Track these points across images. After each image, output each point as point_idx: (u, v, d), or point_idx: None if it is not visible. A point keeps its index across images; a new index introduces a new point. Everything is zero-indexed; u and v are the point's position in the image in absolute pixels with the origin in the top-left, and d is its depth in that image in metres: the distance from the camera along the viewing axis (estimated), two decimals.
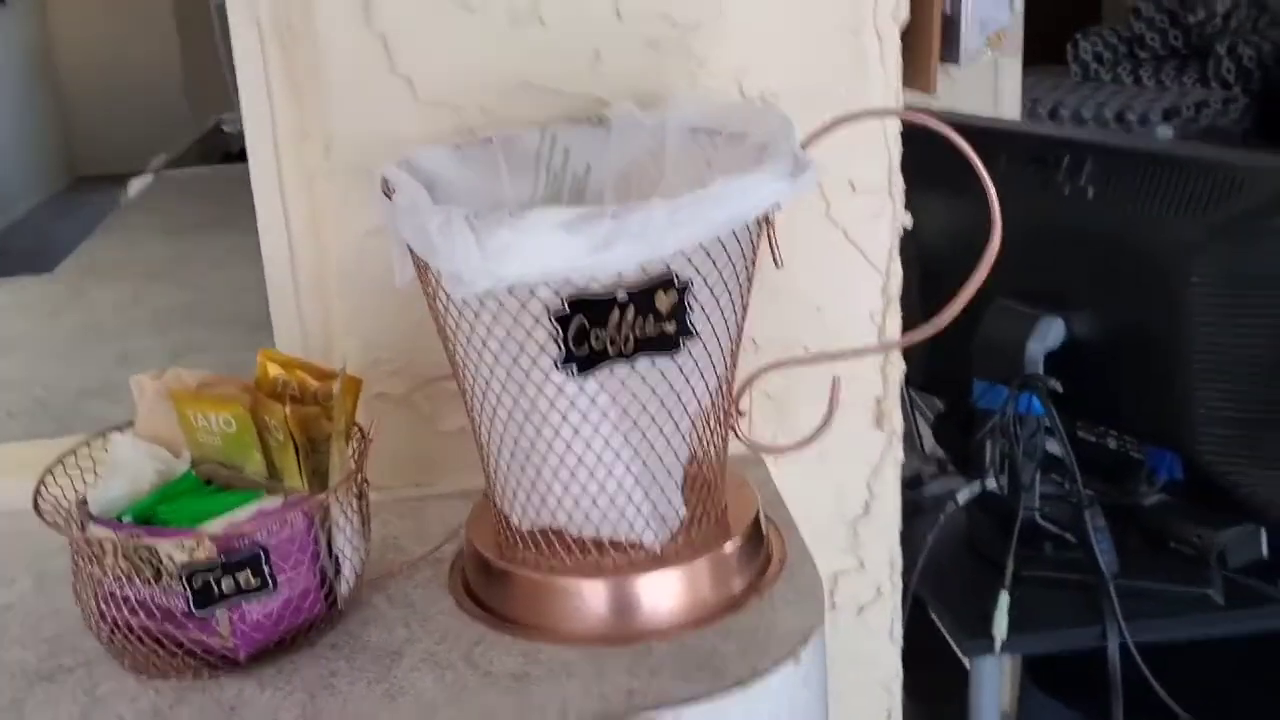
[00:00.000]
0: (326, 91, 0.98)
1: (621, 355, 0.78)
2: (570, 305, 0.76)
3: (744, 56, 1.02)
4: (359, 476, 0.88)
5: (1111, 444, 1.37)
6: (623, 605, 0.86)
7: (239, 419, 0.84)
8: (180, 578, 0.78)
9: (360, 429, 0.91)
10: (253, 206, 1.04)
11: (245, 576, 0.80)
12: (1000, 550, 1.33)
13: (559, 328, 0.76)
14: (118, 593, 0.81)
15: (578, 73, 1.00)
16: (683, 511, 0.88)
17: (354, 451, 0.89)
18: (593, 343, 0.77)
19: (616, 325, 0.77)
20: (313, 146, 1.00)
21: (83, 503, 0.85)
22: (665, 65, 1.01)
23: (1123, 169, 1.28)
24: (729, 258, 0.80)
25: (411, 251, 0.81)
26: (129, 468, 0.86)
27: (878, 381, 1.14)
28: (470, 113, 0.99)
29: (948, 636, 1.39)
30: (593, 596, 0.86)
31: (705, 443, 0.88)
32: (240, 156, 1.05)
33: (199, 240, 2.29)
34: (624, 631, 0.85)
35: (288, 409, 0.83)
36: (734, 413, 0.91)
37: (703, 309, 0.80)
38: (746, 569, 0.90)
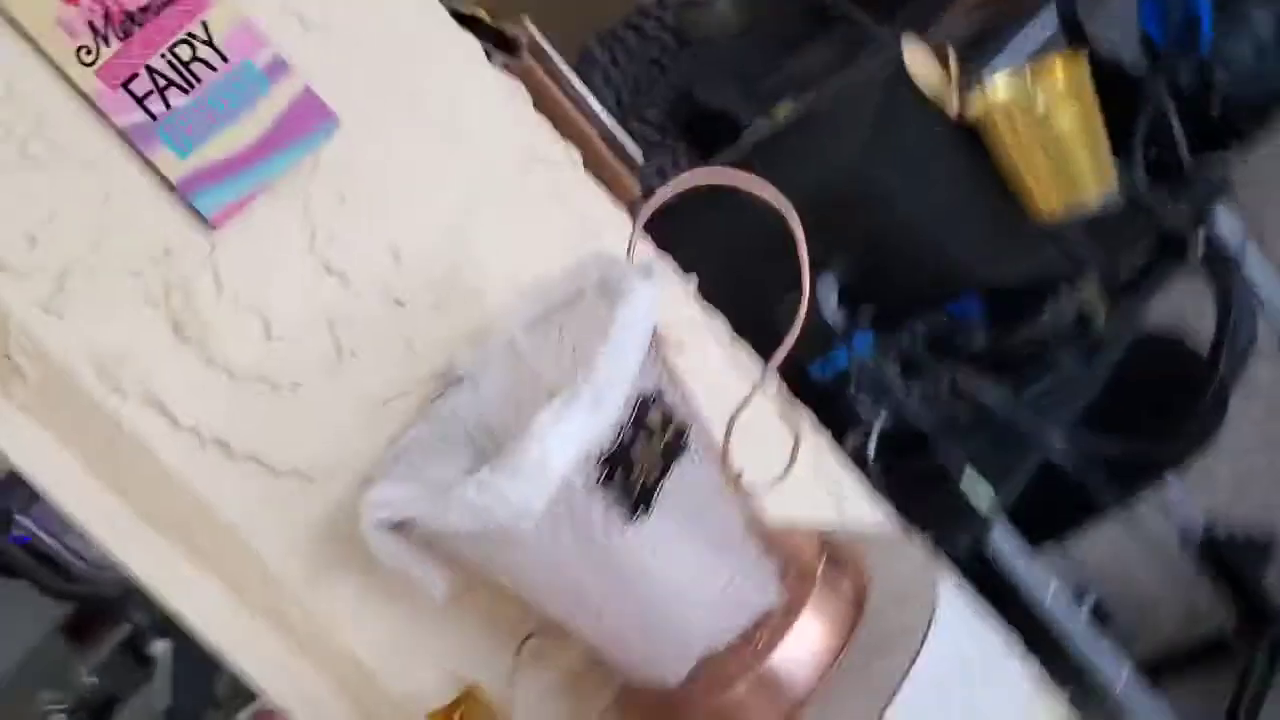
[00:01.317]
0: None
1: (657, 480, 0.89)
2: (603, 466, 0.86)
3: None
4: None
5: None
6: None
7: None
8: None
9: None
10: None
11: None
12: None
13: (609, 490, 0.86)
14: None
15: None
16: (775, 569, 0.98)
17: None
18: (636, 485, 0.88)
19: (639, 461, 0.88)
20: None
21: None
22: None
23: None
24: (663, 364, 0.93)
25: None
26: None
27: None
28: None
29: None
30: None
31: (741, 506, 0.99)
32: None
33: None
34: None
35: None
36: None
37: (677, 405, 0.92)
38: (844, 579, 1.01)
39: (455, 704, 0.92)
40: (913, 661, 0.88)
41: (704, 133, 2.66)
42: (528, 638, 1.01)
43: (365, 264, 1.06)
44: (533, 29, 1.28)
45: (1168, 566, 2.56)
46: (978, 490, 1.39)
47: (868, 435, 1.42)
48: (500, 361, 1.05)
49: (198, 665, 1.88)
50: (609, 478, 0.86)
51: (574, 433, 0.82)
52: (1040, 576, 1.41)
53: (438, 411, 1.04)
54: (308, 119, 1.03)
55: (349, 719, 1.07)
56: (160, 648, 2.19)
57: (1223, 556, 2.14)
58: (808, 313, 1.00)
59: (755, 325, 1.21)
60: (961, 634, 0.93)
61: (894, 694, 0.88)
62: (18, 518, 1.97)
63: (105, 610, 2.55)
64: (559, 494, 0.84)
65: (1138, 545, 2.52)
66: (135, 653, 2.43)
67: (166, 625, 2.19)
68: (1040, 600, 1.38)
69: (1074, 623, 1.46)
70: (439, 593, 0.93)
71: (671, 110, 2.78)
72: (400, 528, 0.90)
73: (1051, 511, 1.67)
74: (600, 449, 0.85)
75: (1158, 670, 1.75)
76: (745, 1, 2.93)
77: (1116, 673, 1.50)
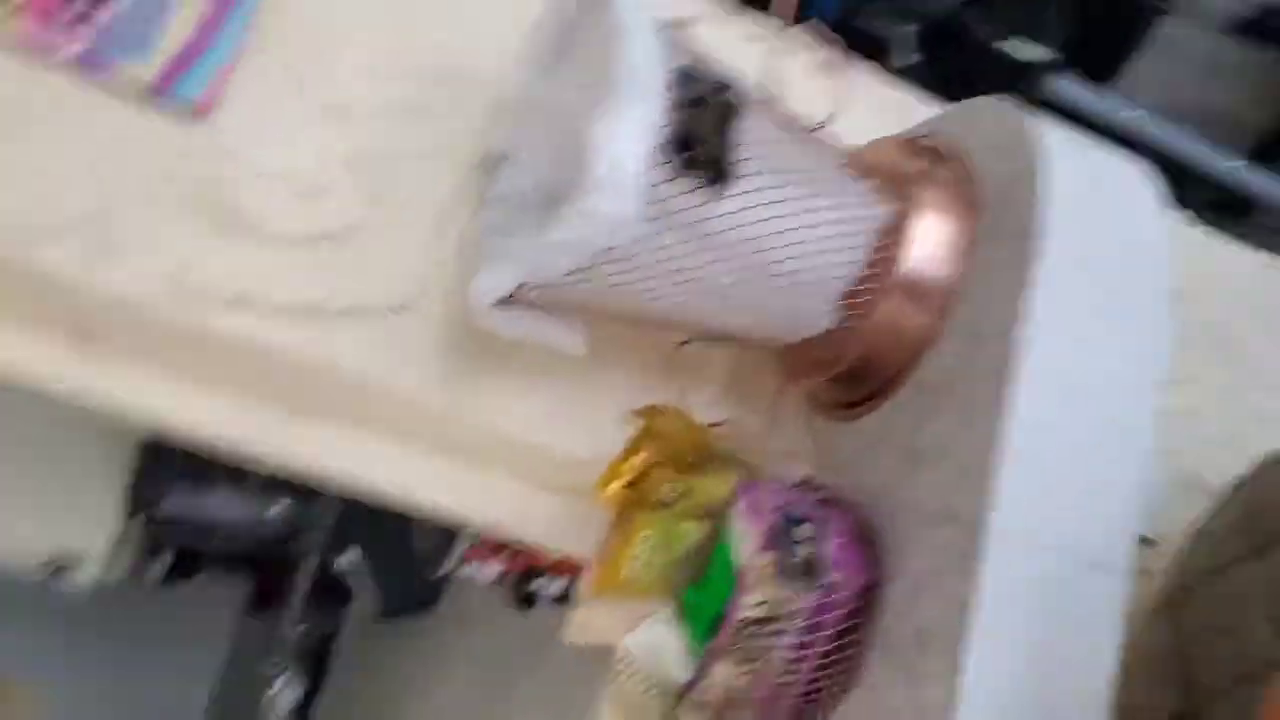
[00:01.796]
0: None
1: (726, 145, 0.87)
2: (672, 151, 0.84)
3: None
4: None
5: None
6: None
7: None
8: None
9: None
10: None
11: None
12: None
13: (688, 172, 0.85)
14: None
15: None
16: None
17: None
18: (711, 157, 0.86)
19: (703, 134, 0.86)
20: None
21: None
22: None
23: None
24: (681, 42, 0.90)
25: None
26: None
27: None
28: None
29: None
30: None
31: (818, 144, 0.97)
32: None
33: None
34: None
35: None
36: None
37: (713, 71, 0.90)
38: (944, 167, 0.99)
39: (644, 429, 0.93)
40: (1040, 211, 0.87)
41: None
42: (682, 344, 1.01)
43: (362, 89, 1.04)
44: None
45: (1227, 70, 2.50)
46: (1025, 50, 1.35)
47: (907, 46, 1.37)
48: (530, 119, 1.03)
49: (388, 548, 1.95)
50: (683, 161, 0.85)
51: (632, 129, 0.81)
52: (1116, 102, 1.37)
53: (497, 195, 1.02)
54: None
55: (551, 505, 1.09)
56: (346, 560, 2.26)
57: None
58: None
59: None
60: (1079, 163, 0.91)
61: (1038, 254, 0.86)
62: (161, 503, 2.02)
63: (277, 563, 2.64)
64: (645, 194, 0.83)
65: (1186, 66, 2.46)
66: (325, 581, 2.51)
67: (337, 538, 2.26)
68: (1129, 123, 1.35)
69: (1170, 136, 1.43)
70: (577, 345, 0.94)
71: None
72: (513, 301, 0.90)
73: (1100, 48, 1.62)
74: (662, 137, 0.84)
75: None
76: None
77: (1231, 167, 1.47)
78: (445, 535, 1.41)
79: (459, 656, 1.80)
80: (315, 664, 2.84)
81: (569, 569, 1.35)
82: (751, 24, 1.23)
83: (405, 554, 1.65)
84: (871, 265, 0.94)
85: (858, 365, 0.96)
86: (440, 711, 1.85)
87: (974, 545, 0.81)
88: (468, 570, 1.37)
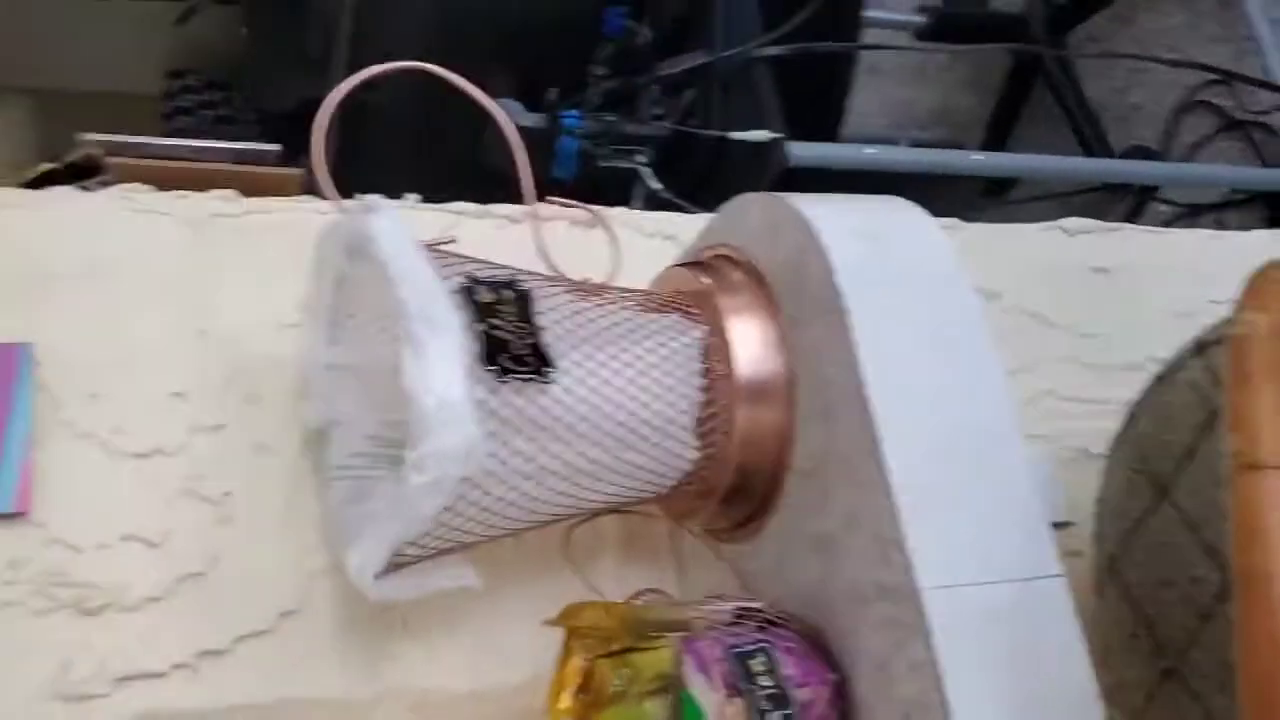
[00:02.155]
0: None
1: (534, 335, 0.89)
2: (489, 363, 0.85)
3: None
4: None
5: None
6: None
7: None
8: None
9: None
10: None
11: None
12: None
13: (511, 376, 0.86)
14: None
15: None
16: None
17: None
18: (525, 353, 0.87)
19: (509, 335, 0.88)
20: None
21: None
22: None
23: None
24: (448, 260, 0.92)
25: None
26: None
27: None
28: None
29: None
30: None
31: (615, 297, 1.00)
32: None
33: None
34: None
35: None
36: None
37: (490, 274, 0.92)
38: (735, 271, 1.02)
39: (569, 631, 0.91)
40: (834, 280, 0.90)
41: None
42: (571, 528, 1.01)
43: (164, 420, 1.02)
44: (93, 138, 1.21)
45: (937, 73, 2.66)
46: (753, 135, 1.42)
47: (647, 175, 1.42)
48: (335, 388, 1.03)
49: None
50: (501, 368, 0.85)
51: (443, 360, 0.81)
52: (854, 147, 1.45)
53: (337, 466, 1.02)
54: (6, 363, 0.98)
55: None
56: None
57: None
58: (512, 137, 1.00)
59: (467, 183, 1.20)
60: (850, 221, 0.95)
61: (848, 321, 0.89)
62: None
63: None
64: (479, 413, 0.84)
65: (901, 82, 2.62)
66: None
67: None
68: (875, 159, 1.42)
69: (911, 156, 1.51)
70: (469, 579, 0.93)
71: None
72: (397, 566, 0.88)
73: (817, 104, 1.71)
74: (473, 353, 0.85)
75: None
76: None
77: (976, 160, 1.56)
78: None
79: None
80: None
81: None
82: (503, 211, 1.26)
83: None
84: (709, 388, 0.96)
85: (736, 484, 0.97)
86: None
87: (914, 611, 0.82)
88: None
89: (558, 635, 0.93)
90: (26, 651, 0.93)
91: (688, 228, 1.35)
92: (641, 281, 1.08)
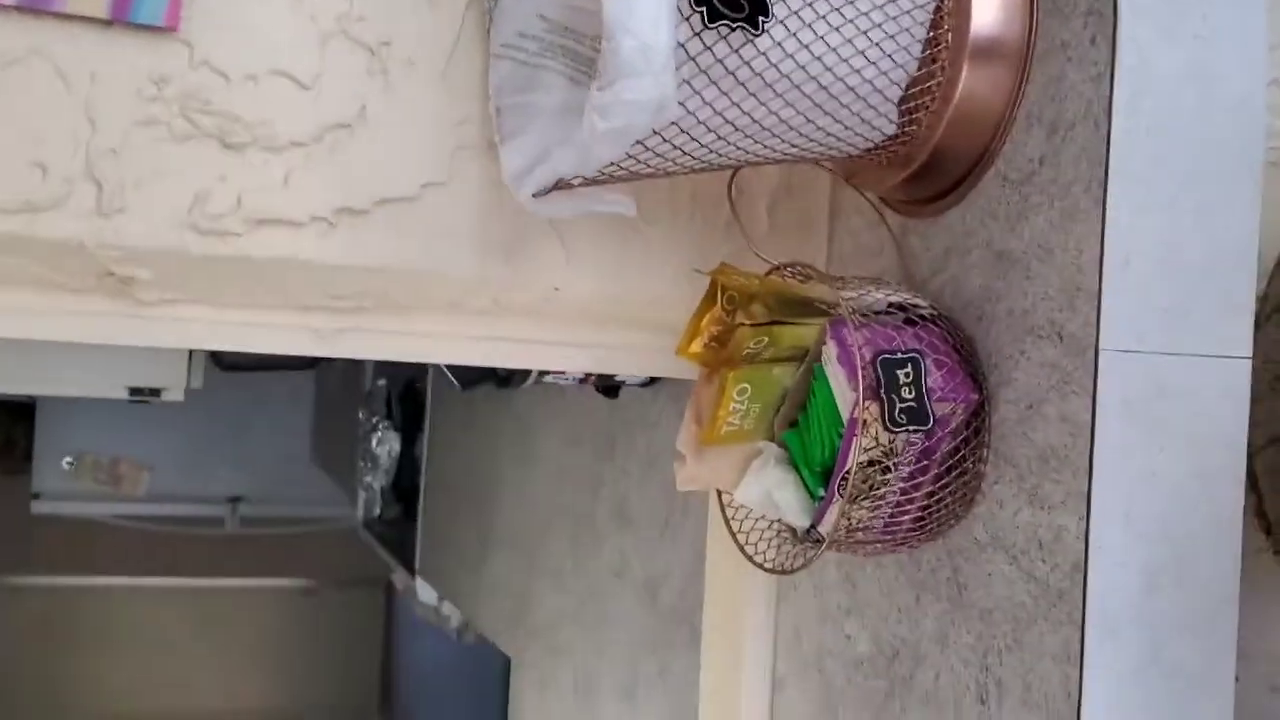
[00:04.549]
0: None
1: None
2: (697, 5, 0.75)
3: None
4: None
5: None
6: None
7: None
8: None
9: None
10: None
11: None
12: None
13: (720, 22, 0.76)
14: None
15: None
16: None
17: None
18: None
19: None
20: None
21: None
22: None
23: None
24: None
25: None
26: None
27: None
28: None
29: None
30: None
31: None
32: None
33: None
34: None
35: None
36: None
37: None
38: None
39: (714, 285, 0.87)
40: None
41: None
42: (731, 177, 0.94)
43: None
44: None
45: None
46: None
47: None
48: None
49: None
50: (711, 10, 0.75)
51: None
52: None
53: (503, 41, 0.93)
54: None
55: (632, 340, 1.06)
56: None
57: None
58: None
59: None
60: None
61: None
62: None
63: None
64: (680, 62, 0.75)
65: None
66: None
67: None
68: None
69: None
70: (627, 207, 0.88)
71: None
72: (556, 187, 0.83)
73: None
74: None
75: None
76: None
77: None
78: None
79: (552, 426, 1.82)
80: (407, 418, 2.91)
81: None
82: None
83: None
84: (931, 58, 0.85)
85: (928, 164, 0.89)
86: (537, 474, 1.90)
87: (1085, 367, 0.77)
88: (549, 379, 1.36)
89: (701, 284, 0.89)
90: (164, 174, 0.90)
91: None
92: None
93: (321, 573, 4.02)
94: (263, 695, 3.99)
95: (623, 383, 1.42)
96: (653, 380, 1.38)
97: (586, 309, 1.02)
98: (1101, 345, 0.77)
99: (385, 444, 3.07)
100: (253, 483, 4.10)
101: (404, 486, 2.91)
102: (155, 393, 2.14)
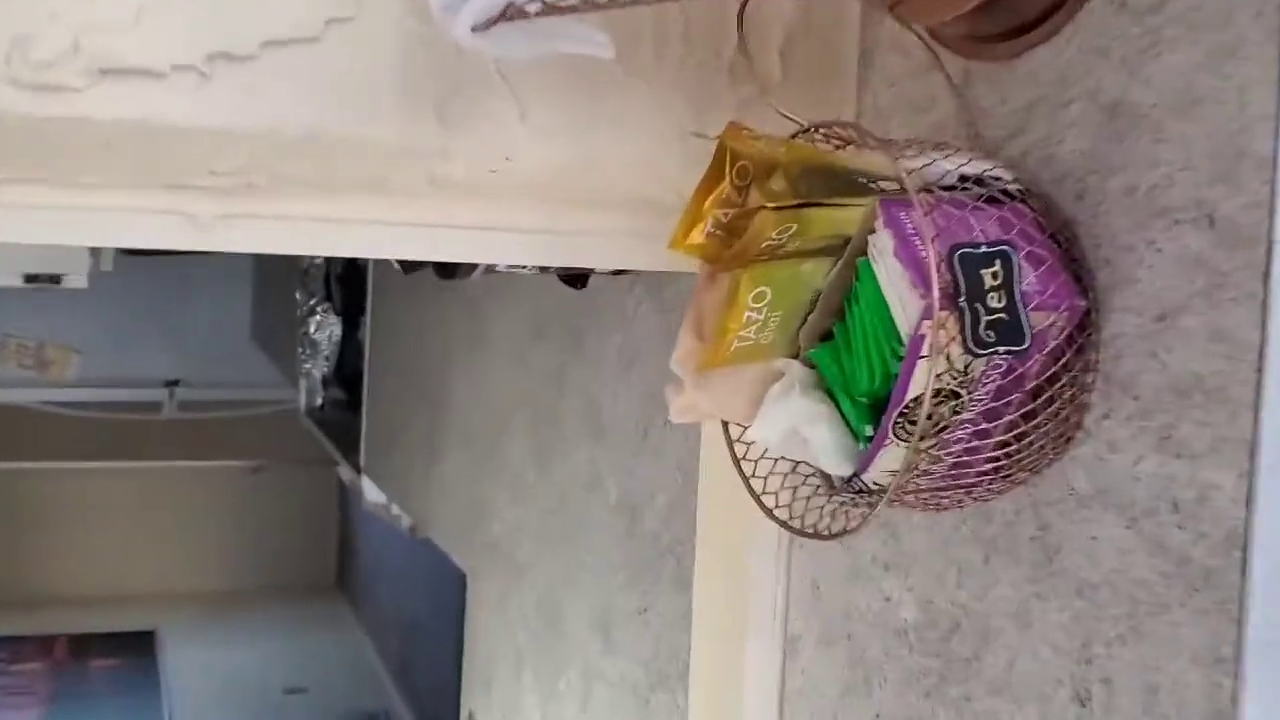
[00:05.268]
0: None
1: None
2: None
3: None
4: None
5: None
6: None
7: None
8: None
9: None
10: None
11: None
12: None
13: None
14: None
15: None
16: None
17: None
18: None
19: None
20: None
21: None
22: None
23: None
24: None
25: None
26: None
27: None
28: None
29: None
30: None
31: None
32: None
33: None
34: None
35: None
36: None
37: None
38: None
39: (720, 153, 0.64)
40: None
41: None
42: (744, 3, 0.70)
43: None
44: None
45: None
46: None
47: None
48: None
49: None
50: None
51: None
52: None
53: None
54: None
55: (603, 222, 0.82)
56: None
57: None
58: None
59: None
60: None
61: None
62: None
63: None
64: None
65: None
66: None
67: None
68: None
69: None
70: (604, 49, 0.64)
71: None
72: (507, 16, 0.59)
73: None
74: None
75: None
76: None
77: None
78: None
79: (510, 316, 1.60)
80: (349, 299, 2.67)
81: None
82: None
83: None
84: None
85: None
86: (494, 368, 1.68)
87: (1251, 263, 0.55)
88: (502, 268, 1.13)
89: (702, 152, 0.65)
90: None
91: None
92: None
93: (267, 455, 3.81)
94: (220, 575, 3.83)
95: (590, 270, 1.19)
96: (623, 270, 1.15)
97: (547, 185, 0.78)
98: (1276, 235, 0.55)
99: (325, 329, 2.83)
100: (190, 365, 3.88)
101: (347, 374, 2.68)
102: (55, 279, 1.89)
